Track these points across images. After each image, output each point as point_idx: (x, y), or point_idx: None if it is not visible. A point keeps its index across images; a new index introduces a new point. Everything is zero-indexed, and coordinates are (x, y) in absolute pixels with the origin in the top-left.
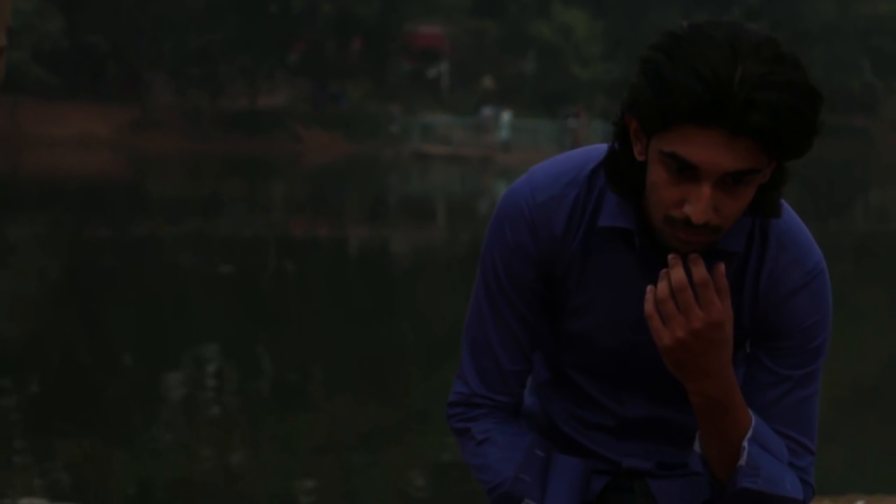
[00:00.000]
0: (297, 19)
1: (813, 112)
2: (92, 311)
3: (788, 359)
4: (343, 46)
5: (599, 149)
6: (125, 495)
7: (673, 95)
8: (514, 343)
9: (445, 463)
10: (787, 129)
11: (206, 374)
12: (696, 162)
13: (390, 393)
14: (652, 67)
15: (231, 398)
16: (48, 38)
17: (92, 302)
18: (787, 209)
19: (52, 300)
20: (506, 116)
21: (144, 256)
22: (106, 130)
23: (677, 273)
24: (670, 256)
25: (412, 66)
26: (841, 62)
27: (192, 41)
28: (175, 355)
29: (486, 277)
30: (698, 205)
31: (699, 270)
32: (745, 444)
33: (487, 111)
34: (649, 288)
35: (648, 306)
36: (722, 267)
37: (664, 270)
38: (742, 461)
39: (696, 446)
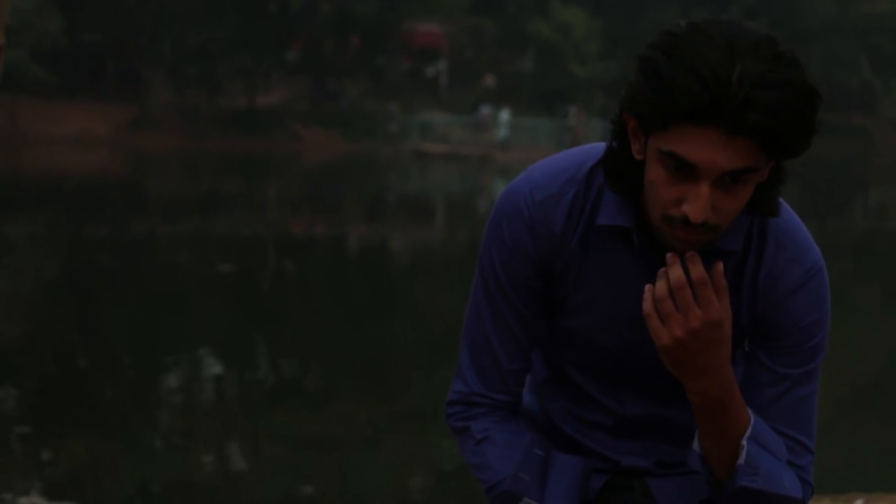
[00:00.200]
0: (295, 18)
1: (811, 111)
2: (90, 311)
3: (787, 357)
4: (341, 45)
5: (598, 147)
6: (124, 495)
7: (671, 94)
8: (513, 342)
9: (444, 462)
10: (785, 128)
11: (205, 374)
12: (694, 161)
13: (389, 391)
14: (650, 66)
15: (230, 397)
16: (47, 36)
17: (90, 301)
18: (786, 208)
19: (51, 299)
20: (504, 115)
21: (143, 255)
22: (104, 129)
23: (676, 272)
24: (669, 255)
25: (411, 65)
26: (840, 61)
27: (190, 40)
28: (174, 355)
29: (485, 276)
30: (696, 204)
31: (697, 269)
32: (744, 442)
33: (486, 110)
34: (648, 287)
35: (647, 305)
36: (720, 266)
37: (663, 269)
38: (741, 460)
39: (695, 445)
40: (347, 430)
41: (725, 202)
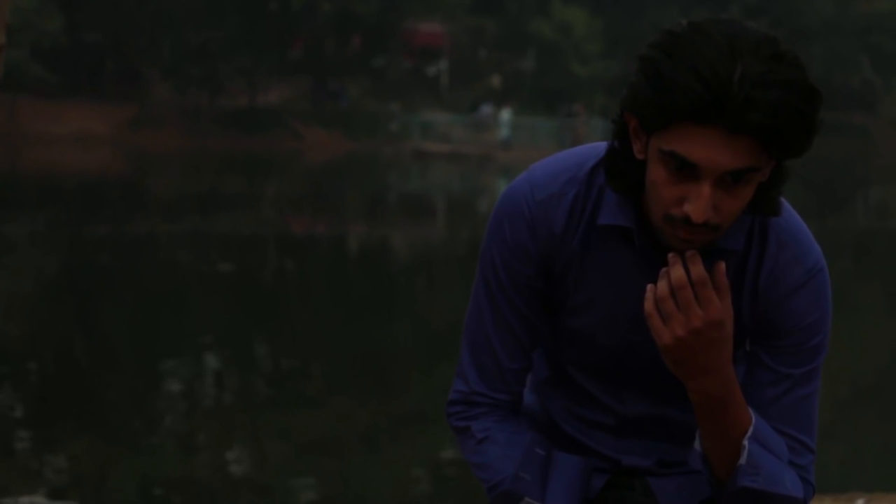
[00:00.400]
0: (296, 17)
1: (812, 111)
2: (91, 310)
3: (788, 357)
4: (343, 44)
5: (599, 147)
6: (125, 494)
7: (672, 94)
8: (514, 341)
9: (445, 461)
10: (786, 128)
11: (206, 372)
12: (695, 161)
13: (390, 391)
14: (651, 66)
15: (230, 396)
16: (47, 35)
17: (91, 300)
18: (787, 207)
19: (51, 298)
20: (505, 114)
21: (143, 254)
22: (105, 128)
23: (677, 272)
24: (670, 255)
25: (412, 64)
26: (840, 60)
27: (191, 39)
28: (174, 353)
29: (486, 275)
30: (698, 203)
31: (697, 269)
32: (746, 442)
33: (486, 109)
34: (649, 286)
35: (648, 305)
36: (722, 265)
37: (664, 269)
38: (742, 460)
39: (697, 444)
40: (348, 429)
41: (727, 202)
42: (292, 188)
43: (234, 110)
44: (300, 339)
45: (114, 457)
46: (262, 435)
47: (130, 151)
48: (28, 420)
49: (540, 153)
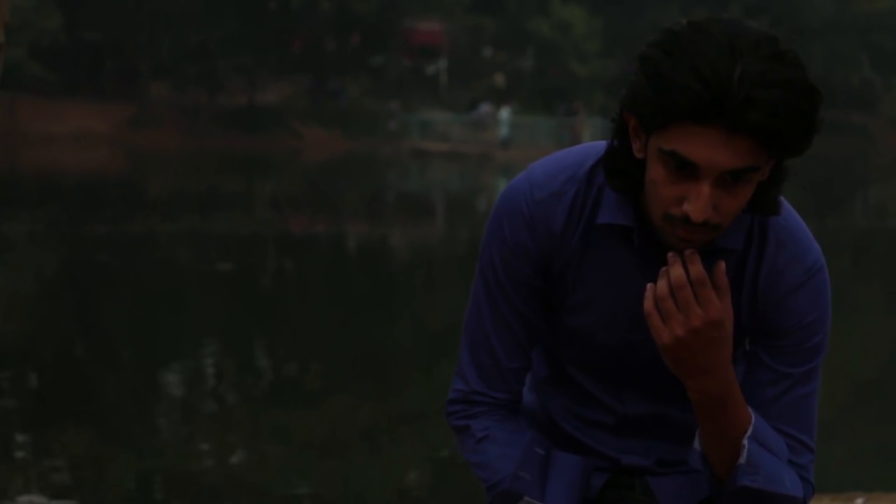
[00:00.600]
0: (295, 16)
1: (812, 110)
2: (90, 308)
3: (788, 356)
4: (342, 43)
5: (598, 146)
6: (124, 493)
7: (672, 94)
8: (513, 340)
9: (444, 460)
10: (786, 128)
11: (205, 371)
12: (695, 160)
13: (389, 390)
14: (651, 65)
15: (229, 395)
16: (46, 34)
17: (90, 299)
18: (787, 206)
19: (50, 297)
20: (505, 113)
21: (142, 253)
22: (104, 127)
23: (676, 271)
24: (670, 255)
25: (411, 63)
26: (840, 59)
27: (190, 37)
28: (173, 352)
29: (485, 274)
30: (697, 203)
31: (696, 268)
32: (745, 441)
33: (485, 108)
34: (649, 286)
35: (648, 304)
36: (722, 265)
37: (664, 269)
38: (742, 459)
39: (696, 444)
40: (347, 428)
41: (726, 201)
42: (291, 187)
43: (233, 109)
44: (299, 338)
45: (113, 456)
46: (262, 434)
47: (129, 150)
48: (27, 419)
49: (539, 152)
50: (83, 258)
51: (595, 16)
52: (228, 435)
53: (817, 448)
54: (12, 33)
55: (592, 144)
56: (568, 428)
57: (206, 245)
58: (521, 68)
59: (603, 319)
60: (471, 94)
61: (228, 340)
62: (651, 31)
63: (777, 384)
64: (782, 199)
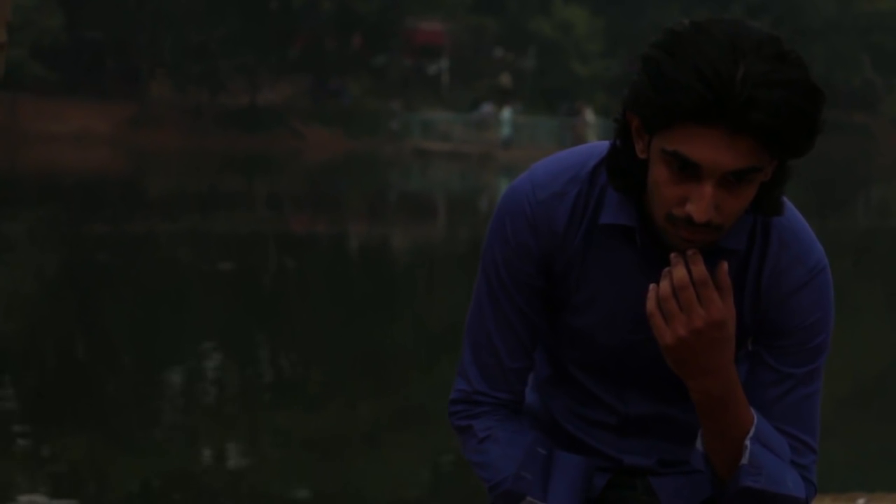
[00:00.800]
0: (297, 15)
1: (815, 110)
2: (90, 308)
3: (790, 356)
4: (343, 43)
5: (601, 146)
6: (125, 492)
7: (674, 94)
8: (516, 340)
9: (446, 460)
10: (788, 128)
11: (206, 371)
12: (697, 161)
13: (390, 390)
14: (653, 66)
15: (231, 394)
16: (48, 33)
17: (90, 298)
18: (790, 207)
19: (51, 297)
20: (506, 113)
21: (143, 253)
22: (105, 127)
23: (679, 271)
24: (672, 255)
25: (412, 63)
26: (841, 59)
27: (191, 37)
28: (174, 352)
29: (488, 274)
30: (700, 204)
31: (698, 268)
32: (748, 442)
33: (487, 108)
34: (651, 286)
35: (650, 304)
36: (725, 265)
37: (667, 269)
38: (744, 460)
39: (698, 444)
40: (348, 428)
41: (729, 202)
42: (292, 187)
43: (234, 109)
44: (300, 338)
45: (113, 455)
46: (262, 433)
47: (130, 150)
48: (28, 418)
49: (540, 152)
50: (84, 258)
51: (597, 16)
52: (229, 435)
53: (819, 448)
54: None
55: (595, 145)
56: (570, 428)
57: (207, 245)
58: (522, 68)
59: (605, 319)
60: (472, 94)
61: (229, 340)
62: (652, 31)
63: (779, 384)
64: (785, 199)
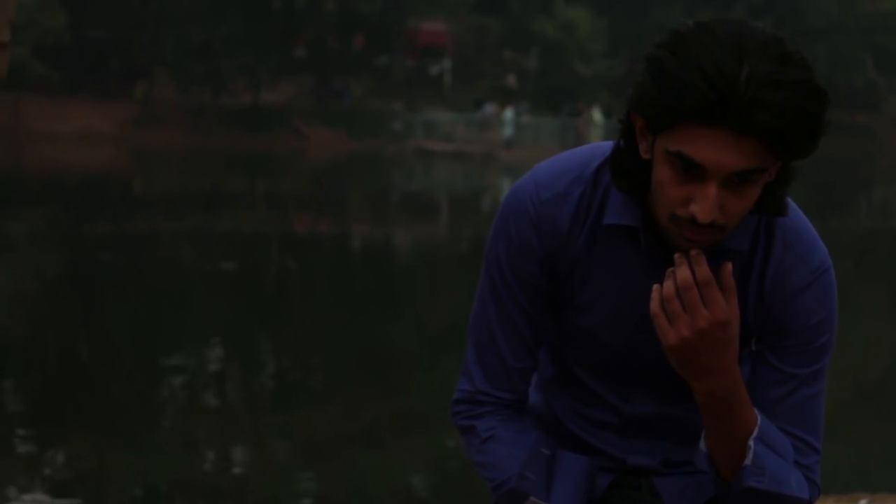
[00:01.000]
0: (299, 15)
1: (819, 111)
2: (93, 307)
3: (794, 357)
4: (346, 43)
5: (605, 146)
6: (126, 492)
7: (678, 94)
8: (519, 340)
9: (448, 459)
10: (793, 129)
11: (208, 371)
12: (701, 161)
13: (393, 390)
14: (657, 66)
15: (233, 394)
16: (51, 33)
17: (93, 298)
18: (793, 207)
19: (54, 296)
20: (509, 113)
21: (146, 252)
22: (108, 126)
23: (683, 272)
24: (676, 256)
25: (415, 63)
26: (844, 59)
27: (194, 37)
28: (177, 352)
29: (491, 275)
30: (704, 204)
31: (702, 269)
32: (751, 443)
33: (490, 108)
34: (655, 287)
35: (654, 305)
36: (729, 266)
37: (671, 269)
38: (748, 460)
39: (702, 444)
40: (351, 427)
41: (733, 202)
42: (295, 187)
43: (237, 109)
44: (303, 337)
45: (116, 454)
46: (265, 433)
47: (133, 150)
48: (30, 417)
49: (543, 152)
50: (86, 257)
51: (599, 16)
52: (232, 434)
53: (822, 449)
54: (17, 32)
55: (598, 145)
56: (573, 428)
57: (210, 244)
58: (525, 68)
59: (609, 320)
60: (475, 95)
61: (232, 340)
62: (655, 31)
63: (783, 385)
64: (789, 199)
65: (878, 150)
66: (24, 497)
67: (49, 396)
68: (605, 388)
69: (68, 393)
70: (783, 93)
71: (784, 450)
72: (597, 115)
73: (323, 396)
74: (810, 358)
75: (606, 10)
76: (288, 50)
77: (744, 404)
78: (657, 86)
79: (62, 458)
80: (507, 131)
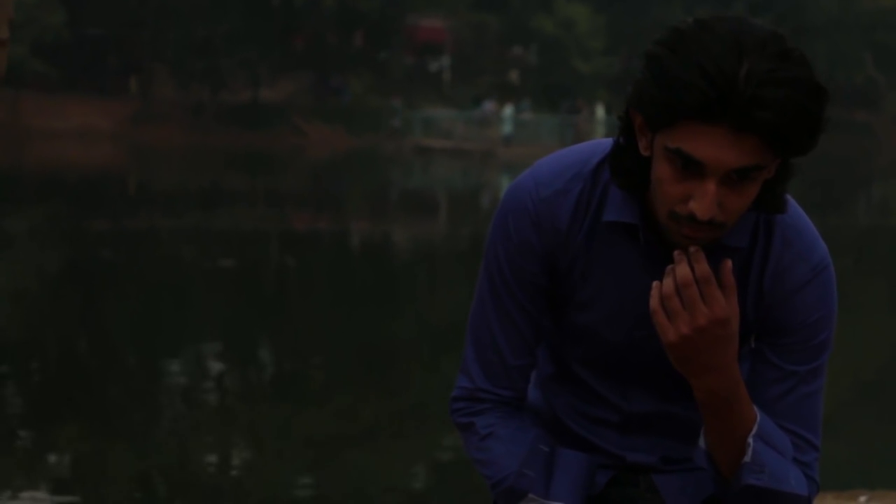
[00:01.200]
0: (299, 12)
1: (819, 109)
2: (92, 305)
3: (793, 354)
4: (345, 40)
5: (604, 143)
6: (126, 489)
7: (678, 92)
8: (518, 337)
9: (447, 457)
10: (792, 127)
11: (207, 368)
12: (701, 159)
13: (392, 387)
14: (657, 63)
15: (232, 392)
16: (49, 30)
17: (92, 295)
18: (793, 204)
19: (53, 293)
20: (507, 111)
21: (145, 250)
22: (107, 123)
23: (682, 269)
24: (676, 253)
25: (414, 60)
26: (844, 57)
27: (194, 34)
28: (176, 349)
29: (490, 272)
30: (703, 201)
31: (701, 266)
32: (750, 440)
33: (489, 105)
34: (654, 284)
35: (653, 302)
36: (729, 264)
37: (670, 266)
38: (747, 457)
39: (701, 442)
40: (350, 425)
41: (732, 199)
42: (294, 184)
43: (236, 106)
44: (302, 335)
45: (115, 452)
46: (264, 430)
47: (132, 146)
48: (29, 415)
49: (542, 149)
50: (86, 254)
51: (599, 13)
52: (231, 431)
53: (821, 446)
54: (16, 30)
55: (598, 142)
56: (573, 425)
57: (209, 241)
58: (524, 65)
59: (608, 317)
60: (474, 92)
61: (231, 337)
62: (655, 28)
63: (782, 382)
64: (788, 196)
65: (877, 147)
66: (23, 494)
67: (48, 394)
68: (604, 386)
69: (67, 390)
70: (783, 90)
71: (783, 447)
72: (600, 111)
73: (322, 393)
74: (809, 355)
75: (606, 6)
76: (287, 47)
77: (743, 402)
78: (656, 83)
79: (61, 455)
80: (506, 128)
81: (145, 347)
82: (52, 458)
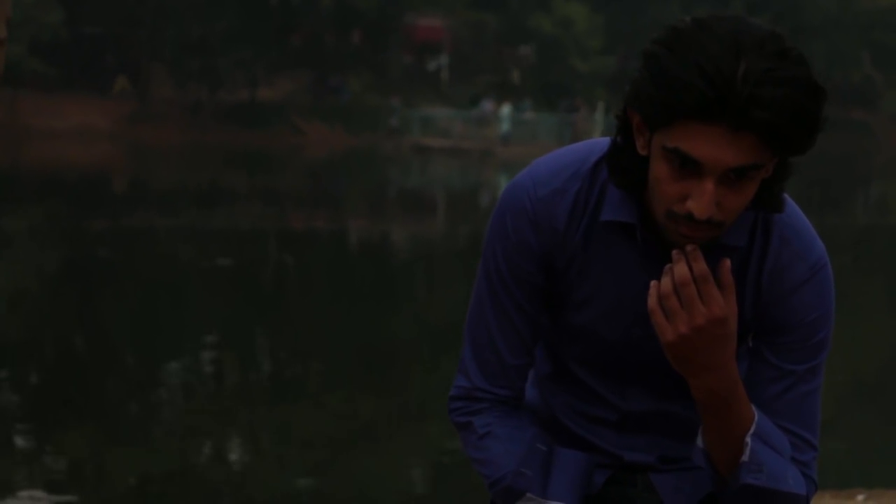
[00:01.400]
0: (296, 11)
1: (816, 108)
2: (90, 304)
3: (791, 353)
4: (343, 39)
5: (602, 142)
6: (124, 488)
7: (675, 91)
8: (516, 336)
9: (446, 456)
10: (790, 126)
11: (205, 367)
12: (698, 158)
13: (390, 386)
14: (654, 62)
15: (230, 391)
16: (47, 29)
17: (90, 294)
18: (790, 203)
19: (51, 292)
20: (506, 110)
21: (143, 248)
22: (105, 122)
23: (680, 268)
24: (674, 252)
25: (412, 59)
26: (841, 56)
27: (191, 33)
28: (174, 348)
29: (488, 271)
30: (701, 200)
31: (699, 264)
32: (748, 439)
33: (487, 104)
34: (653, 283)
35: (651, 301)
36: (728, 263)
37: (668, 266)
38: (745, 457)
39: (699, 441)
40: (348, 424)
41: (730, 198)
42: (292, 183)
43: (234, 105)
44: (300, 334)
45: (113, 451)
46: (262, 430)
47: (130, 146)
48: (27, 414)
49: (540, 149)
50: (84, 253)
51: (596, 12)
52: (229, 431)
53: (819, 444)
54: (13, 29)
55: (595, 141)
56: (570, 424)
57: (207, 240)
58: (522, 65)
59: (606, 316)
60: (472, 91)
61: (229, 336)
62: (652, 27)
63: (780, 381)
64: (786, 195)
65: (875, 146)
66: (21, 494)
67: (46, 392)
68: (602, 385)
69: (65, 390)
70: (781, 89)
71: (781, 446)
72: (598, 111)
73: (320, 392)
74: (808, 354)
75: (603, 6)
76: (285, 46)
77: (741, 401)
78: (654, 83)
79: (59, 454)
80: (505, 127)
81: (143, 346)
82: (51, 458)
